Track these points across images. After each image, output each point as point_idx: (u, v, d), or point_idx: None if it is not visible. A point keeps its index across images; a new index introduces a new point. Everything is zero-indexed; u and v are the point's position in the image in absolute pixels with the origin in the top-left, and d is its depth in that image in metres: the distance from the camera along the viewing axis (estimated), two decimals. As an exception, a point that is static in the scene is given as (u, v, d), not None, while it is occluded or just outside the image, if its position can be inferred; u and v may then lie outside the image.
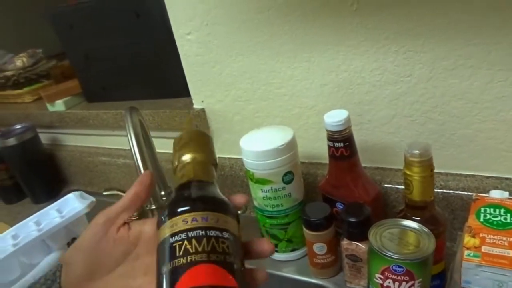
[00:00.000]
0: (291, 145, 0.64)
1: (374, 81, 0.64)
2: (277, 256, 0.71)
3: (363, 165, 0.64)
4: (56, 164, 1.24)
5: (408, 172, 0.49)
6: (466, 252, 0.48)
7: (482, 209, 0.53)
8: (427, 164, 0.49)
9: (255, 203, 0.69)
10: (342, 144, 0.60)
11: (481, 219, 0.52)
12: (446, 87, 0.59)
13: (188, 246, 0.29)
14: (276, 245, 0.70)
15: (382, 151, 0.69)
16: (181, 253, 0.29)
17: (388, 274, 0.45)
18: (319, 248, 0.62)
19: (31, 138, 1.11)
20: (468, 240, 0.49)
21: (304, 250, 0.70)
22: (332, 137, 0.60)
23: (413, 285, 0.45)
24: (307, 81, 0.70)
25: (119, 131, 1.05)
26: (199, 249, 0.29)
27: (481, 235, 0.49)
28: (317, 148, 0.76)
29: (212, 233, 0.30)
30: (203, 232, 0.30)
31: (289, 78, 0.72)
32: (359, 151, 0.63)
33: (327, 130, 0.60)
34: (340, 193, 0.64)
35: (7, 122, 1.24)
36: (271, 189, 0.65)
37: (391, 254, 0.44)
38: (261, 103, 0.78)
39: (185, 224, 0.30)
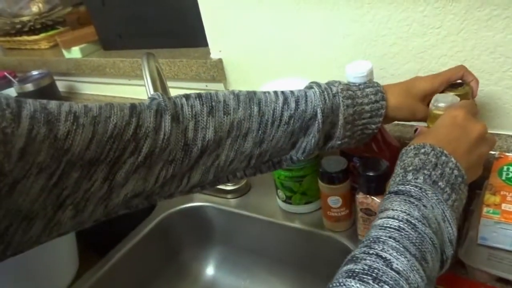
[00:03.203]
0: (310, 97, 0.62)
1: (401, 33, 0.61)
2: (291, 208, 0.71)
3: (383, 120, 0.63)
4: (73, 112, 1.24)
5: (431, 126, 0.48)
6: (485, 209, 0.47)
7: (505, 168, 0.52)
8: (452, 119, 0.47)
9: (271, 155, 0.68)
10: (363, 97, 0.58)
11: (503, 177, 0.51)
12: (477, 39, 0.56)
13: None
14: (290, 198, 0.70)
15: (403, 107, 0.67)
16: None
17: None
18: (334, 201, 0.62)
19: (48, 84, 1.12)
20: (488, 197, 0.49)
21: (317, 203, 0.70)
22: (354, 89, 0.58)
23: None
24: (330, 31, 0.67)
25: (136, 80, 1.04)
26: None
27: (502, 193, 0.49)
28: (336, 102, 0.74)
29: None
30: None
31: (311, 27, 0.69)
32: (380, 105, 0.61)
33: (348, 82, 0.58)
34: (358, 148, 0.63)
35: (24, 68, 1.24)
36: (288, 141, 0.64)
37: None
38: (281, 54, 0.76)
39: None
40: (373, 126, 0.48)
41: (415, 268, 0.31)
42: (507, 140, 0.59)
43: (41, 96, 1.10)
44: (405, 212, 0.34)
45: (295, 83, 0.65)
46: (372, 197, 0.56)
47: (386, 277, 0.29)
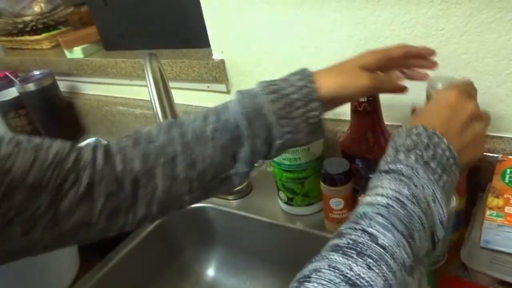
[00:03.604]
0: (312, 98, 0.62)
1: (404, 35, 0.61)
2: (293, 210, 0.71)
3: (385, 122, 0.63)
4: (74, 113, 1.24)
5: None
6: (488, 212, 0.47)
7: (508, 170, 0.52)
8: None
9: (273, 156, 0.68)
10: (366, 98, 0.58)
11: (506, 180, 0.51)
12: (481, 42, 0.55)
13: None
14: (291, 199, 0.70)
15: (405, 109, 0.67)
16: None
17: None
18: (336, 203, 0.62)
19: (49, 84, 1.11)
20: (491, 200, 0.48)
21: (319, 205, 0.70)
22: (356, 91, 0.58)
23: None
24: (333, 33, 0.67)
25: (137, 80, 1.04)
26: None
27: (505, 196, 0.48)
28: (338, 104, 0.74)
29: None
30: None
31: (314, 29, 0.69)
32: (382, 107, 0.61)
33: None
34: (360, 150, 0.63)
35: (25, 68, 1.24)
36: (290, 143, 0.64)
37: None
38: (284, 56, 0.75)
39: None
40: (315, 113, 0.43)
41: (401, 244, 0.31)
42: (510, 143, 0.59)
43: (42, 95, 1.10)
44: (394, 190, 0.34)
45: (297, 85, 0.65)
46: (375, 199, 0.56)
47: (371, 252, 0.30)
